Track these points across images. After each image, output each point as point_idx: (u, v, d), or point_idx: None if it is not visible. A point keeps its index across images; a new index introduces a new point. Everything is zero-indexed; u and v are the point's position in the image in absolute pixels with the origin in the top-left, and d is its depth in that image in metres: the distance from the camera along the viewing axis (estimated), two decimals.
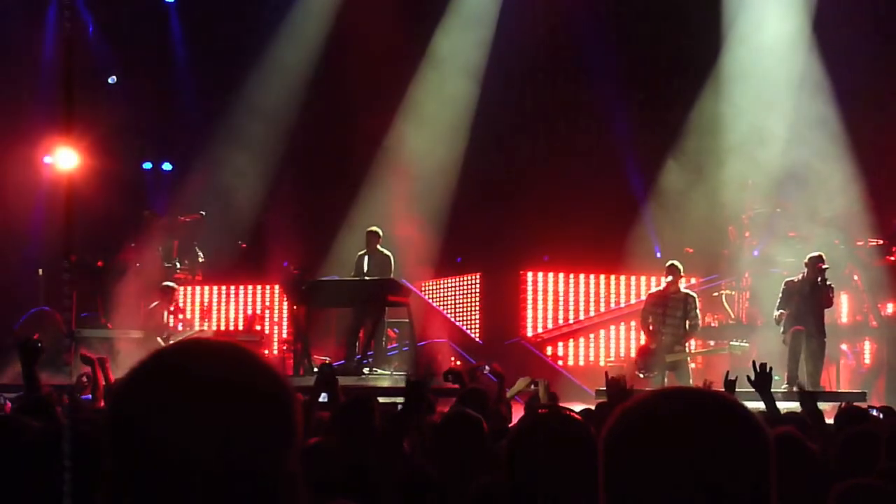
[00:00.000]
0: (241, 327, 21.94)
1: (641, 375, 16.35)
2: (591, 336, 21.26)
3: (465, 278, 22.14)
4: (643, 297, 18.29)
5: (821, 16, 21.19)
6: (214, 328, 21.65)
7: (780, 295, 16.20)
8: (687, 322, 16.61)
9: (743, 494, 1.96)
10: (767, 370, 7.48)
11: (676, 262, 16.98)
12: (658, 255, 20.94)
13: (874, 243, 19.15)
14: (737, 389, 8.37)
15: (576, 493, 3.81)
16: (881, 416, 8.97)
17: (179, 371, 1.90)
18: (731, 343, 17.53)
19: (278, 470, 1.90)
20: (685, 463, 1.95)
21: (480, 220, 22.36)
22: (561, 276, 21.48)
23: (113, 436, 1.89)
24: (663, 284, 17.25)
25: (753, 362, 7.66)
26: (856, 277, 18.82)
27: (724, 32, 22.01)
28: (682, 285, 17.10)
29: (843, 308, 19.12)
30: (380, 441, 6.45)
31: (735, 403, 2.07)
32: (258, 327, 21.86)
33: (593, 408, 9.11)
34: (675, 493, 1.94)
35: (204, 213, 21.13)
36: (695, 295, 17.08)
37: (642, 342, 17.37)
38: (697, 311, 16.76)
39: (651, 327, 16.75)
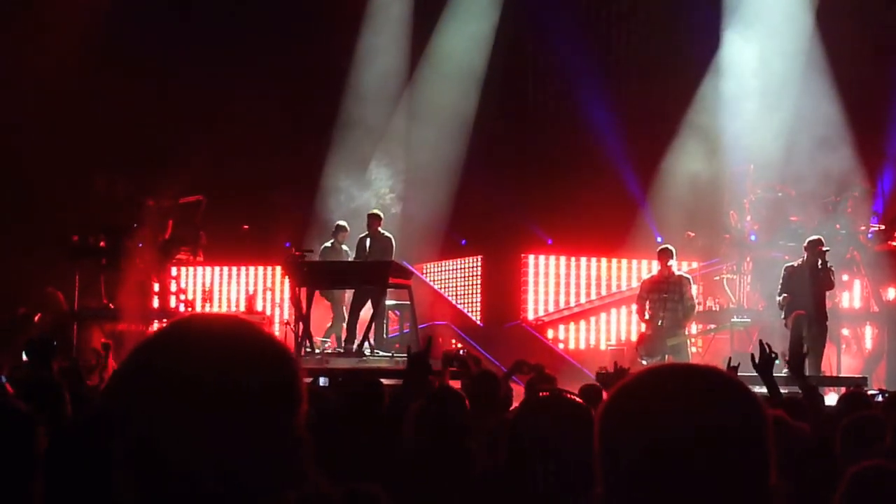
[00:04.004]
0: (242, 308, 21.93)
1: (644, 362, 16.33)
2: (592, 319, 21.27)
3: (467, 261, 22.15)
4: (642, 281, 18.29)
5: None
6: (216, 309, 21.70)
7: (781, 279, 16.17)
8: (683, 304, 16.60)
9: (735, 460, 1.96)
10: (771, 353, 7.47)
11: (669, 246, 17.00)
12: (659, 239, 20.94)
13: (875, 228, 19.14)
14: (740, 374, 8.37)
15: (576, 473, 3.82)
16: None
17: (174, 366, 1.91)
18: (733, 320, 17.58)
19: (281, 440, 1.92)
20: (668, 428, 1.96)
21: (483, 203, 22.37)
22: (562, 259, 21.48)
23: (114, 433, 1.90)
24: (655, 270, 17.32)
25: (760, 341, 7.65)
26: (857, 262, 18.81)
27: (725, 14, 22.07)
28: (676, 268, 17.06)
29: (855, 293, 19.15)
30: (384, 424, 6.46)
31: (725, 374, 2.08)
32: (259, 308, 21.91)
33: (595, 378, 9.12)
34: (663, 460, 1.95)
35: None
36: (689, 277, 17.10)
37: (643, 328, 17.37)
38: (693, 292, 16.78)
39: (649, 313, 16.74)
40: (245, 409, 1.88)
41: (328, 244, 18.91)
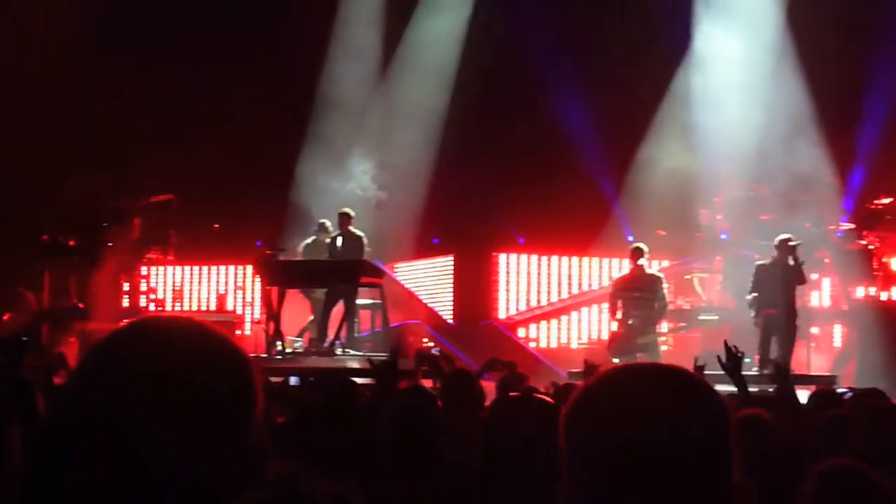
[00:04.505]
0: (213, 307, 21.90)
1: (616, 360, 16.34)
2: (564, 318, 21.29)
3: (439, 260, 22.14)
4: (614, 280, 18.31)
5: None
6: (186, 308, 21.68)
7: (752, 279, 16.23)
8: (655, 303, 16.66)
9: (697, 458, 1.99)
10: (738, 353, 7.51)
11: (641, 245, 17.05)
12: (630, 237, 20.97)
13: (845, 227, 19.24)
14: (710, 372, 8.40)
15: (547, 471, 3.83)
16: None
17: (132, 364, 1.91)
18: (700, 318, 17.65)
19: (242, 440, 1.94)
20: (636, 428, 1.98)
21: (455, 202, 22.38)
22: (534, 258, 21.50)
23: (70, 432, 1.90)
24: (626, 269, 17.40)
25: (725, 342, 7.69)
26: (827, 261, 18.91)
27: (698, 10, 22.16)
28: (647, 266, 17.09)
29: (825, 291, 19.24)
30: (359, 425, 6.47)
31: (689, 374, 2.11)
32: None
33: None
34: (627, 459, 1.97)
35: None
36: (662, 276, 17.16)
37: (614, 327, 17.40)
38: (665, 291, 16.84)
39: (621, 311, 16.78)
40: (204, 407, 1.90)
41: (309, 241, 18.97)
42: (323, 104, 23.12)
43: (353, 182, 22.41)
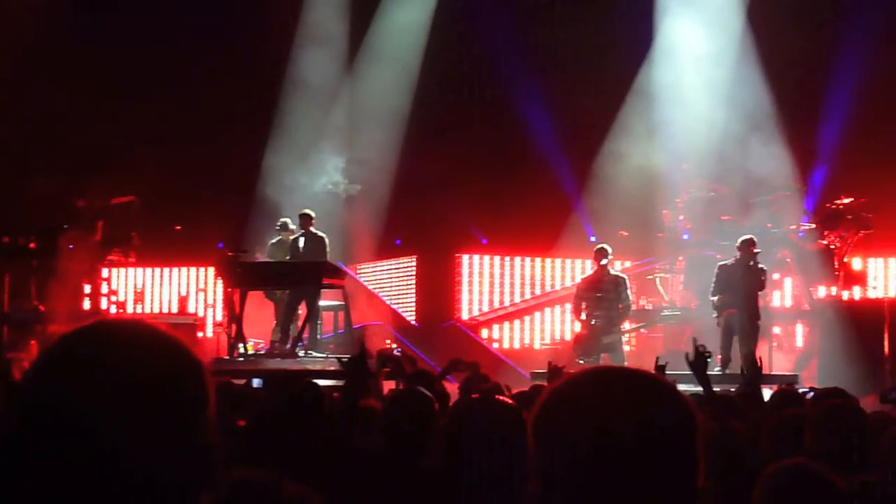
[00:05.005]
0: (175, 310, 21.80)
1: (581, 361, 16.36)
2: (527, 319, 21.32)
3: (402, 261, 22.12)
4: (578, 281, 18.33)
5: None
6: (148, 311, 21.60)
7: (714, 279, 16.30)
8: (619, 304, 16.71)
9: (663, 460, 2.00)
10: (705, 353, 7.53)
11: (605, 245, 17.09)
12: (592, 238, 21.00)
13: (806, 227, 19.33)
14: (672, 372, 8.42)
15: (509, 473, 3.83)
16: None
17: (88, 362, 1.91)
18: (662, 314, 17.72)
19: (190, 445, 1.93)
20: (603, 429, 1.99)
21: (417, 203, 22.35)
22: (497, 258, 21.52)
23: (23, 428, 1.89)
24: (589, 270, 17.44)
25: (694, 340, 7.71)
26: (788, 261, 19.00)
27: (657, 12, 22.23)
28: (611, 267, 17.14)
29: (787, 291, 19.34)
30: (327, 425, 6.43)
31: (656, 377, 2.12)
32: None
33: (527, 389, 9.14)
34: (595, 461, 1.98)
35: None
36: (625, 277, 17.23)
37: (577, 328, 17.42)
38: (629, 292, 16.90)
39: (585, 312, 16.81)
40: (153, 407, 1.89)
41: (275, 240, 18.90)
42: (289, 94, 23.02)
43: (323, 177, 22.34)
